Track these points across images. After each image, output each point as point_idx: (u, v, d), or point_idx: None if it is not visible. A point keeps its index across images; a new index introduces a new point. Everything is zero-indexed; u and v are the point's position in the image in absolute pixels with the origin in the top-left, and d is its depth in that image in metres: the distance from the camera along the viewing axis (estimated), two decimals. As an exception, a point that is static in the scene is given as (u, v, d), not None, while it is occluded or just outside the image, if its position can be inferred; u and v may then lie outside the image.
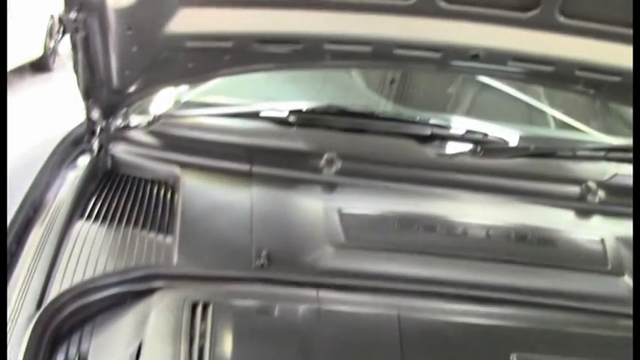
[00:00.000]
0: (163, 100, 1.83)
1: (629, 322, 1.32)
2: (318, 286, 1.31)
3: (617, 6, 1.44)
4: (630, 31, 1.47)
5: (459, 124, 1.95)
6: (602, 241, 1.52)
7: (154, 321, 1.15)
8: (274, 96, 2.01)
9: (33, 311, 1.14)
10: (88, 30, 1.41)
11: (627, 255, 1.49)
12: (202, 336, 1.14)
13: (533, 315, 1.31)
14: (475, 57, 1.58)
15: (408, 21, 1.50)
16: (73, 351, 1.14)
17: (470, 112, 2.33)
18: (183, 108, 1.86)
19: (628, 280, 1.41)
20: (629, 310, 1.34)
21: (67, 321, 1.17)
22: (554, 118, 2.34)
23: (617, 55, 1.53)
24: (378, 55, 1.60)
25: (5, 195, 1.46)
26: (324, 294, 1.29)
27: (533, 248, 1.47)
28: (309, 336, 1.18)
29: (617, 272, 1.43)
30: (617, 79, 1.60)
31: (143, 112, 1.75)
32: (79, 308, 1.18)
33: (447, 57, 1.59)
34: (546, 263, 1.43)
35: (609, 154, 1.84)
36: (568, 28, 1.47)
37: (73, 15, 1.38)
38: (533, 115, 2.36)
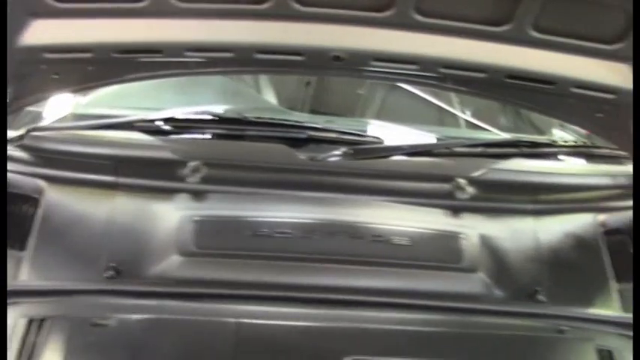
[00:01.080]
0: (37, 113, 1.82)
1: (481, 319, 1.31)
2: (160, 295, 1.30)
3: (471, 3, 1.44)
4: (487, 28, 1.48)
5: (344, 125, 1.95)
6: (462, 238, 1.51)
7: None
8: (164, 106, 2.00)
9: None
10: None
11: (485, 251, 1.48)
12: (33, 352, 1.13)
13: (379, 316, 1.31)
14: (337, 58, 1.57)
15: (264, 25, 1.50)
16: None
17: (380, 114, 2.34)
18: (60, 121, 1.85)
19: (482, 276, 1.39)
20: (481, 306, 1.34)
21: None
22: (464, 120, 2.36)
23: (477, 51, 1.53)
24: (241, 60, 1.59)
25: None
26: (166, 303, 1.28)
27: (388, 248, 1.46)
28: (142, 347, 1.17)
29: (471, 269, 1.41)
30: (482, 75, 1.60)
31: (13, 126, 1.74)
32: None
33: (309, 60, 1.59)
34: (399, 263, 1.42)
35: (485, 149, 1.83)
36: (426, 26, 1.47)
37: None
38: (444, 117, 2.37)
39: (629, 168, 1.88)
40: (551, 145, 1.97)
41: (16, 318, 1.19)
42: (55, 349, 1.15)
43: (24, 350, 1.15)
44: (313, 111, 2.40)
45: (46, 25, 1.43)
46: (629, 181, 1.85)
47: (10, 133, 1.69)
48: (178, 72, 1.71)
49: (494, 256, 1.48)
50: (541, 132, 2.28)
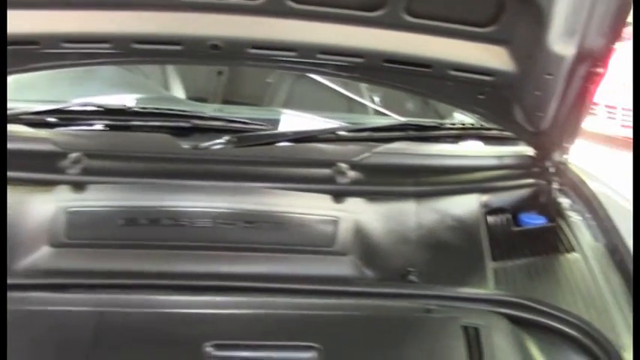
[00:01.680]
0: None
1: (349, 301, 1.32)
2: (26, 287, 1.29)
3: None
4: (362, 13, 1.50)
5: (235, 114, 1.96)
6: (337, 221, 1.52)
7: None
8: (56, 98, 1.99)
9: None
10: None
11: (359, 234, 1.49)
12: None
13: (245, 301, 1.31)
14: (215, 47, 1.58)
15: (140, 15, 1.51)
16: None
17: (288, 103, 2.36)
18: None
19: (353, 258, 1.40)
20: (350, 288, 1.35)
21: None
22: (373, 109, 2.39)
23: (353, 37, 1.55)
24: (119, 51, 1.59)
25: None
26: (31, 295, 1.27)
27: (260, 234, 1.47)
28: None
29: (343, 252, 1.42)
30: (360, 60, 1.61)
31: None
32: None
33: (188, 49, 1.59)
34: (269, 248, 1.42)
35: (372, 134, 1.86)
36: (301, 12, 1.48)
37: None
38: (353, 106, 2.38)
39: (515, 148, 1.92)
40: (439, 127, 2.00)
41: None
42: None
43: None
44: (226, 101, 2.41)
45: None
46: (515, 161, 1.89)
47: None
48: (58, 64, 1.70)
49: (370, 239, 1.49)
50: (442, 117, 2.31)
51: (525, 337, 1.26)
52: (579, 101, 1.62)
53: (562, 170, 1.79)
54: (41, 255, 1.39)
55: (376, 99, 2.44)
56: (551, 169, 1.79)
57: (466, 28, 1.54)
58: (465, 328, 1.23)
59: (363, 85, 2.42)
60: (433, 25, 1.52)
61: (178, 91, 2.40)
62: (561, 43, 1.48)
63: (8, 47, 1.50)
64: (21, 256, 1.38)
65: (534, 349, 1.24)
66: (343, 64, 1.64)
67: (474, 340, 1.21)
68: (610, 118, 7.92)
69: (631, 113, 7.67)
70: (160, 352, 1.18)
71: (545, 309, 1.31)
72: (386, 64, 1.61)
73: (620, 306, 1.35)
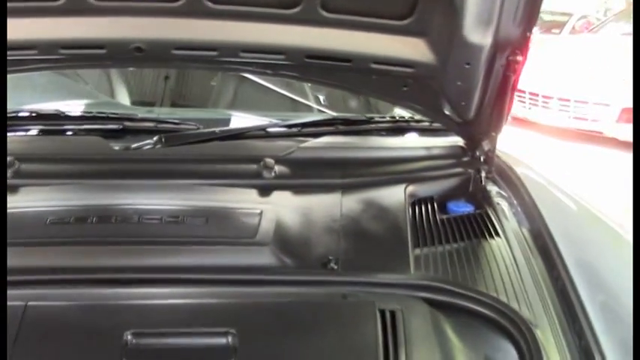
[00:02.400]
0: None
1: (269, 289, 1.35)
2: None
3: None
4: (279, 11, 1.53)
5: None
6: (261, 213, 1.54)
7: None
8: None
9: None
10: None
11: (282, 225, 1.52)
12: None
13: (165, 291, 1.33)
14: (139, 49, 1.60)
15: (62, 21, 1.52)
16: None
17: (233, 104, 2.40)
18: None
19: (274, 248, 1.43)
20: (268, 277, 1.38)
21: None
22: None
23: (273, 34, 1.58)
24: (46, 56, 1.61)
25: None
26: None
27: (183, 228, 1.49)
28: None
29: (263, 243, 1.45)
30: (281, 57, 1.65)
31: None
32: None
33: (111, 52, 1.61)
34: (192, 241, 1.45)
35: (301, 129, 1.90)
36: (220, 13, 1.52)
37: None
38: (297, 106, 2.43)
39: (447, 139, 1.97)
40: (368, 121, 2.04)
41: None
42: None
43: None
44: (174, 104, 2.45)
45: None
46: (445, 151, 1.94)
47: None
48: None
49: (291, 230, 1.52)
50: (380, 112, 2.36)
51: (442, 319, 1.29)
52: (502, 90, 1.68)
53: (491, 159, 1.84)
54: None
55: (321, 98, 2.49)
56: (481, 158, 1.84)
57: (383, 21, 1.58)
58: (382, 312, 1.26)
59: (308, 86, 2.46)
60: (350, 19, 1.56)
61: (124, 97, 2.44)
62: (477, 33, 1.53)
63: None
64: None
65: (450, 331, 1.27)
66: (266, 61, 1.68)
67: (390, 323, 1.24)
68: (562, 110, 8.04)
69: (584, 105, 7.85)
70: (81, 341, 1.20)
71: (462, 291, 1.35)
72: (308, 60, 1.64)
73: (538, 287, 1.39)
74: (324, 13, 1.53)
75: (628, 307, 1.28)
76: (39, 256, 1.40)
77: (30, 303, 1.25)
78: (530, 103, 8.38)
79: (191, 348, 1.18)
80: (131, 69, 2.49)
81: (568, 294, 1.34)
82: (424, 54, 1.63)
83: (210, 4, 1.49)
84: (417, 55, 1.63)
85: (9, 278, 1.29)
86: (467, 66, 1.61)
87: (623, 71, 7.68)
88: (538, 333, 1.24)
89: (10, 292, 1.28)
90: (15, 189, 1.61)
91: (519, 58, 1.61)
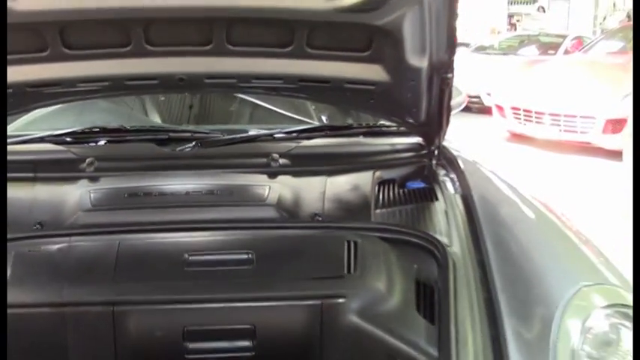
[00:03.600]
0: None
1: (274, 231, 2.05)
2: (70, 234, 2.01)
3: (264, 35, 2.09)
4: (278, 50, 2.17)
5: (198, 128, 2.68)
6: (269, 188, 2.21)
7: None
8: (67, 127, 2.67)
9: None
10: None
11: (284, 194, 2.19)
12: None
13: (207, 234, 2.05)
14: (181, 80, 2.27)
15: (129, 61, 2.19)
16: None
17: (242, 121, 3.04)
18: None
19: (278, 208, 2.12)
20: (274, 224, 2.07)
21: None
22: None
23: (275, 65, 2.21)
24: (116, 86, 2.29)
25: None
26: (75, 238, 1.99)
27: (217, 197, 2.18)
28: (59, 263, 1.88)
29: (269, 204, 2.14)
30: (280, 81, 2.29)
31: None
32: None
33: (162, 82, 2.28)
34: (224, 204, 2.14)
35: (299, 134, 2.57)
36: (237, 53, 2.16)
37: None
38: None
39: (410, 139, 2.60)
40: (349, 127, 2.72)
41: None
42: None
43: None
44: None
45: None
46: (408, 147, 2.57)
47: None
48: (73, 98, 2.42)
49: (290, 198, 2.18)
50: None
51: (388, 247, 1.98)
52: (441, 99, 2.17)
53: (441, 151, 2.49)
54: (77, 216, 2.09)
55: (324, 118, 3.15)
56: (435, 151, 2.50)
57: (350, 54, 2.12)
58: (348, 242, 1.95)
59: (312, 108, 3.12)
60: (328, 53, 2.14)
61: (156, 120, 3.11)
62: (416, 59, 2.04)
63: (37, 89, 2.21)
64: (65, 218, 2.09)
65: (393, 253, 1.95)
66: (270, 85, 2.34)
67: (353, 248, 1.93)
68: (554, 124, 8.59)
69: (573, 119, 8.44)
70: (157, 261, 1.91)
71: (401, 229, 2.03)
72: (300, 83, 2.27)
73: (458, 229, 2.03)
74: (309, 50, 2.11)
75: (519, 243, 1.91)
76: (122, 215, 2.09)
77: (122, 243, 1.95)
78: (525, 119, 8.95)
79: (226, 260, 1.88)
80: (162, 99, 3.17)
81: (476, 231, 1.98)
82: (381, 75, 2.14)
83: (230, 47, 2.13)
84: (376, 77, 2.15)
85: (105, 229, 1.98)
86: (412, 82, 2.12)
87: (608, 85, 8.31)
88: (450, 250, 1.90)
89: (106, 237, 1.97)
90: (96, 179, 2.30)
91: (449, 75, 2.10)
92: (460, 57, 13.06)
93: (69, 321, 1.83)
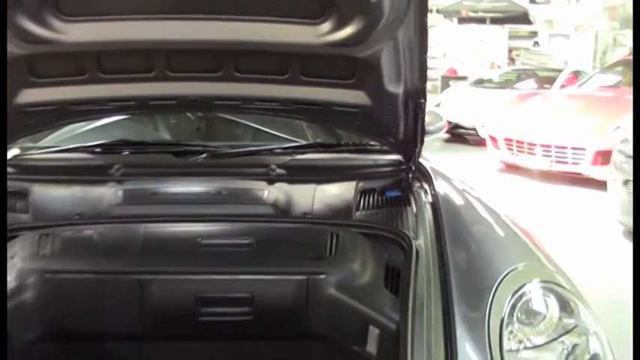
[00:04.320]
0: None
1: (270, 225, 2.49)
2: (106, 217, 2.44)
3: (264, 65, 2.48)
4: (275, 77, 2.52)
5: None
6: (268, 192, 2.63)
7: None
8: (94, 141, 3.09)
9: None
10: None
11: (278, 197, 2.61)
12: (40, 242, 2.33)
13: (215, 225, 2.51)
14: (194, 101, 2.70)
15: (153, 85, 2.60)
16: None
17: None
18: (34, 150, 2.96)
19: (275, 207, 2.54)
20: (271, 219, 2.50)
21: None
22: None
23: (271, 90, 2.59)
24: (141, 105, 2.71)
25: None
26: (107, 225, 2.43)
27: (224, 197, 2.61)
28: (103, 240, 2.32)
29: (266, 203, 2.58)
30: (278, 104, 2.69)
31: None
32: None
33: (179, 102, 2.71)
34: (230, 201, 2.59)
35: (295, 150, 2.98)
36: (242, 79, 2.54)
37: None
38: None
39: (387, 156, 3.00)
40: (338, 145, 3.14)
41: (35, 235, 2.31)
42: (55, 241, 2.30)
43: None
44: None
45: (29, 92, 2.46)
46: (388, 162, 2.96)
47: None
48: (104, 115, 2.85)
49: (285, 199, 2.59)
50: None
51: (364, 238, 2.39)
52: (416, 121, 2.50)
53: (417, 166, 2.88)
54: (110, 209, 2.52)
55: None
56: (412, 167, 2.89)
57: (337, 81, 2.43)
58: (330, 234, 2.37)
59: (310, 133, 3.51)
60: (318, 80, 2.51)
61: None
62: (392, 86, 2.37)
63: (76, 107, 2.62)
64: (99, 211, 2.51)
65: (368, 243, 2.37)
66: (270, 107, 2.74)
67: (335, 239, 2.35)
68: (545, 155, 8.95)
69: (564, 150, 8.81)
70: (174, 244, 2.40)
71: (376, 225, 2.44)
72: (295, 106, 2.66)
73: (423, 224, 2.39)
74: (303, 78, 2.48)
75: (473, 237, 2.31)
76: (147, 209, 2.51)
77: (146, 230, 2.39)
78: (517, 150, 9.31)
79: (231, 244, 2.35)
80: (173, 122, 3.58)
81: (439, 228, 2.36)
82: (364, 99, 2.47)
83: (236, 74, 2.51)
84: (359, 101, 2.48)
85: (133, 219, 2.40)
86: (390, 106, 2.46)
87: (598, 118, 8.68)
88: (415, 242, 2.29)
89: (137, 225, 2.39)
90: (123, 182, 2.70)
91: (422, 100, 2.43)
92: (458, 91, 13.61)
93: (104, 287, 2.25)
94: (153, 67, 2.42)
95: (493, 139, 9.87)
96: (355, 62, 2.36)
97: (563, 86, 12.38)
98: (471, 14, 20.11)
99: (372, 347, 2.15)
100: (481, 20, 19.94)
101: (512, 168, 9.66)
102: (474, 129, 11.58)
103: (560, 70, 13.88)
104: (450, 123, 12.05)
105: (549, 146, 8.97)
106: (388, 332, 2.10)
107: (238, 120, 3.35)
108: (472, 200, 2.68)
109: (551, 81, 13.01)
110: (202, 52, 2.36)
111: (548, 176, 9.02)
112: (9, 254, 2.27)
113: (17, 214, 2.54)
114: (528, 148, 9.21)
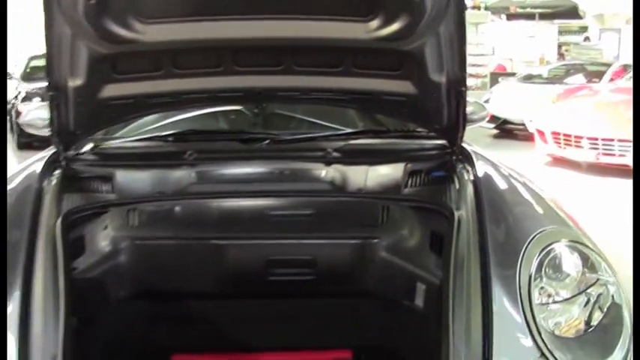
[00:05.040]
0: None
1: (329, 198, 2.78)
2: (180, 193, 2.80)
3: (320, 59, 2.79)
4: (331, 69, 2.88)
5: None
6: (326, 171, 2.90)
7: None
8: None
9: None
10: (59, 100, 2.53)
11: (335, 176, 2.88)
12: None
13: (280, 199, 2.81)
14: (259, 93, 3.03)
15: (221, 78, 2.92)
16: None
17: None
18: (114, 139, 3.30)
19: (330, 184, 2.85)
20: (330, 193, 2.80)
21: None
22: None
23: (329, 81, 2.90)
24: (212, 97, 3.04)
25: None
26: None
27: (287, 176, 2.90)
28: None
29: (324, 181, 2.87)
30: (331, 94, 3.02)
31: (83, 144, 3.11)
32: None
33: (245, 95, 3.03)
34: (293, 179, 2.90)
35: (348, 136, 3.27)
36: (301, 72, 2.83)
37: (51, 92, 2.49)
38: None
39: (433, 141, 3.27)
40: (388, 131, 3.43)
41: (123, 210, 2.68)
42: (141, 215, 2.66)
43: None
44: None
45: (111, 87, 2.74)
46: (432, 146, 3.15)
47: (86, 147, 3.05)
48: (177, 107, 3.19)
49: (340, 178, 2.85)
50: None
51: (411, 210, 2.69)
52: (457, 109, 2.64)
53: (460, 149, 3.12)
54: (187, 187, 2.80)
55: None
56: (455, 150, 3.15)
57: (386, 72, 2.64)
58: (382, 207, 2.68)
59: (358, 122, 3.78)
60: (369, 72, 2.65)
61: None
62: (436, 76, 2.56)
63: (154, 99, 2.98)
64: (178, 189, 2.80)
65: (415, 215, 2.67)
66: (326, 97, 3.03)
67: (386, 211, 2.66)
68: (592, 148, 9.08)
69: (611, 142, 8.94)
70: (246, 214, 2.77)
71: (422, 199, 2.74)
72: (348, 96, 2.93)
73: (465, 198, 2.59)
74: (355, 70, 2.64)
75: (509, 208, 2.53)
76: (220, 187, 2.83)
77: (220, 204, 2.73)
78: (564, 144, 9.45)
79: (295, 214, 2.67)
80: (232, 117, 3.81)
81: (479, 202, 2.59)
82: (410, 89, 2.67)
83: (296, 68, 2.77)
84: (406, 90, 2.68)
85: (212, 195, 2.73)
86: (434, 95, 2.62)
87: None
88: (458, 213, 2.54)
89: (212, 200, 2.72)
90: (196, 165, 2.95)
91: (463, 89, 2.57)
92: (507, 86, 13.71)
93: (186, 251, 2.60)
94: (221, 62, 2.66)
95: (541, 133, 10.03)
96: (402, 55, 2.59)
97: (611, 80, 12.46)
98: (520, 10, 20.19)
99: (419, 301, 2.47)
100: (530, 16, 20.01)
101: (559, 161, 9.81)
102: (523, 124, 11.73)
103: (609, 65, 13.95)
104: (498, 119, 12.26)
105: (596, 139, 9.11)
106: (433, 288, 2.40)
107: (291, 114, 3.57)
108: (511, 180, 2.93)
109: (600, 75, 13.10)
110: (265, 48, 2.62)
111: (595, 168, 9.15)
112: (102, 225, 2.61)
113: (104, 195, 2.84)
114: (575, 141, 9.35)
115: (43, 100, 9.55)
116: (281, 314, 2.74)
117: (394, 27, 2.46)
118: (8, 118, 14.14)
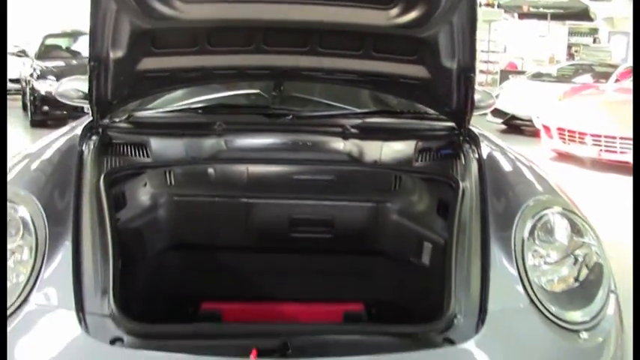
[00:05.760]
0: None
1: (347, 167, 3.06)
2: (211, 160, 3.06)
3: (342, 43, 3.04)
4: (353, 52, 3.15)
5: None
6: (343, 144, 3.14)
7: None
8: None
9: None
10: (99, 70, 2.66)
11: (352, 149, 3.13)
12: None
13: (301, 166, 3.07)
14: (285, 72, 3.30)
15: (251, 56, 3.21)
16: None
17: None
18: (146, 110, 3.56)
19: (348, 155, 3.11)
20: (347, 162, 3.08)
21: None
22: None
23: (351, 64, 3.20)
24: (241, 74, 3.31)
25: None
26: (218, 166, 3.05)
27: (310, 147, 3.13)
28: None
29: (342, 153, 3.12)
30: (354, 76, 3.31)
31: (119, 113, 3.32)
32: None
33: (272, 72, 3.31)
34: (311, 148, 3.15)
35: (364, 115, 3.54)
36: (325, 53, 3.10)
37: (92, 63, 2.62)
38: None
39: (443, 123, 3.54)
40: (401, 112, 3.71)
41: (160, 170, 2.93)
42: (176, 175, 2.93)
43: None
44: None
45: (149, 60, 2.82)
46: (441, 127, 3.35)
47: (121, 116, 3.21)
48: (209, 81, 3.46)
49: (357, 150, 3.05)
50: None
51: (422, 182, 2.97)
52: (466, 94, 2.80)
53: (467, 130, 2.99)
54: (217, 153, 3.03)
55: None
56: (463, 132, 3.02)
57: (403, 57, 2.84)
58: (394, 176, 2.96)
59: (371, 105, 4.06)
60: (387, 56, 2.85)
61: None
62: (448, 62, 2.73)
63: (187, 73, 3.24)
64: (209, 155, 3.04)
65: (423, 184, 2.95)
66: (346, 78, 3.29)
67: (399, 181, 2.95)
68: (595, 144, 9.32)
69: (613, 140, 9.19)
70: (272, 178, 2.97)
71: (431, 171, 3.03)
72: (367, 77, 3.17)
73: (469, 172, 2.83)
74: (374, 53, 2.84)
75: (507, 181, 2.78)
76: (248, 153, 3.10)
77: (249, 168, 2.99)
78: (569, 139, 9.70)
79: (317, 179, 2.93)
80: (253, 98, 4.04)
81: (481, 175, 2.82)
82: (424, 73, 2.87)
83: (320, 49, 3.01)
84: (420, 74, 2.88)
85: (241, 161, 3.01)
86: (446, 80, 2.78)
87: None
88: (463, 184, 2.79)
89: (241, 165, 3.00)
90: (225, 134, 3.15)
91: (472, 75, 2.74)
92: (516, 83, 13.96)
93: (218, 208, 2.89)
94: (252, 41, 2.85)
95: (546, 128, 10.29)
96: (417, 41, 2.79)
97: (617, 80, 12.70)
98: (532, 10, 20.38)
99: (425, 259, 2.74)
100: (542, 16, 20.20)
101: (563, 156, 10.06)
102: (530, 120, 11.99)
103: (617, 66, 14.19)
104: (506, 114, 12.53)
105: (599, 136, 9.36)
106: (439, 247, 2.67)
107: (308, 97, 3.72)
108: (516, 162, 3.08)
109: (607, 76, 13.33)
110: (293, 30, 2.82)
111: (597, 164, 9.41)
112: (141, 182, 2.86)
113: (140, 158, 3.03)
114: (579, 138, 9.60)
115: (57, 79, 10.30)
116: (301, 268, 3.01)
117: (412, 15, 2.67)
118: (21, 95, 14.51)
